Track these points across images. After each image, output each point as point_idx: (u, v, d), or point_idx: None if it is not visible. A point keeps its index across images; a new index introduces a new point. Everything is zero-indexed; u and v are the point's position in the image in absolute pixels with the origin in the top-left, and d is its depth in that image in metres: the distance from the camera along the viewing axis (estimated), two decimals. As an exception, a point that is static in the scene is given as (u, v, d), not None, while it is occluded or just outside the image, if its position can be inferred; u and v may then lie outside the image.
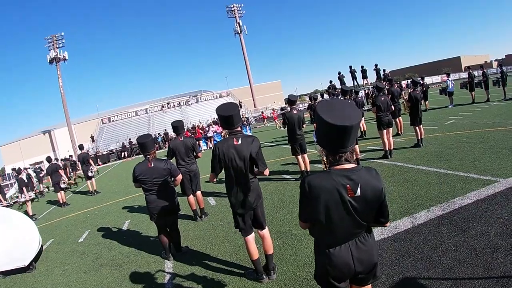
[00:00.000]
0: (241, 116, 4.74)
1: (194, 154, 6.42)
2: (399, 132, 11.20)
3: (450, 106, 16.61)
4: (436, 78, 54.08)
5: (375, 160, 8.32)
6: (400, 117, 11.05)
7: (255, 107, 51.03)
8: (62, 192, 11.35)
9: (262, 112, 42.65)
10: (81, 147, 12.74)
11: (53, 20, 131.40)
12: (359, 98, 14.13)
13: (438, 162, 6.95)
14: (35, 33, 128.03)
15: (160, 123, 46.76)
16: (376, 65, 23.45)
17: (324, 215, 1.79)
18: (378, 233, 4.16)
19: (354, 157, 1.91)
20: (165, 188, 4.56)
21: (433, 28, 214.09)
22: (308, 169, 7.58)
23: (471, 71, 17.65)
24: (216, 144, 3.59)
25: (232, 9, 51.63)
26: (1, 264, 5.47)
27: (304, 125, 7.55)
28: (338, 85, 22.30)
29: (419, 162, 7.27)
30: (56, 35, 45.06)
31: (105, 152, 34.30)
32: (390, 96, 9.96)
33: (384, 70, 23.36)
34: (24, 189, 11.01)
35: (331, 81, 22.11)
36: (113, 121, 52.88)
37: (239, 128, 3.56)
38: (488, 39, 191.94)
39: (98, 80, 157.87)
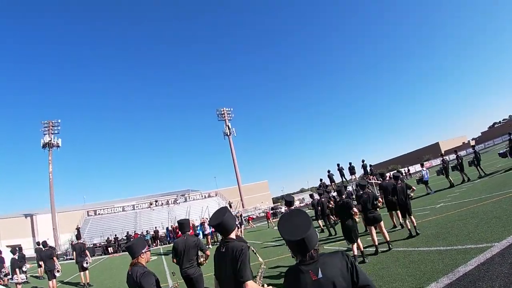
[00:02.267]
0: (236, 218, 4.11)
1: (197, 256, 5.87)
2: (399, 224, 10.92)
3: (431, 193, 17.58)
4: (418, 167, 56.92)
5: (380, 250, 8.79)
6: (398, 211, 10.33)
7: (243, 207, 51.43)
8: (54, 280, 11.02)
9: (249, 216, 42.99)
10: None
11: (51, 105, 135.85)
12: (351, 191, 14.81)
13: (437, 242, 7.55)
14: (32, 116, 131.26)
15: (147, 220, 46.59)
16: (363, 160, 25.13)
17: None
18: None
19: (318, 252, 2.15)
20: None
21: (410, 119, 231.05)
22: None
23: (444, 157, 19.51)
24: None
25: (222, 112, 56.53)
26: None
27: None
28: (328, 182, 23.62)
29: (419, 244, 7.83)
30: (53, 121, 47.04)
31: (90, 245, 33.10)
32: (382, 190, 10.65)
33: (370, 165, 24.97)
34: (17, 270, 10.69)
35: (321, 179, 23.28)
36: (98, 214, 52.67)
37: (232, 235, 3.32)
38: (463, 120, 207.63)
39: (87, 171, 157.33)
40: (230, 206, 49.74)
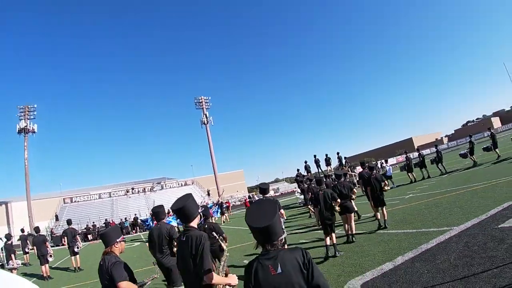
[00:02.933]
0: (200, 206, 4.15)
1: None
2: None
3: (394, 187, 18.91)
4: (392, 160, 58.85)
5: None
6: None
7: (219, 196, 52.32)
8: (47, 265, 11.39)
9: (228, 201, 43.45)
10: (37, 230, 12.56)
11: (27, 91, 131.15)
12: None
13: (404, 226, 8.60)
14: (7, 100, 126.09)
15: (124, 208, 46.46)
16: (338, 153, 26.28)
17: None
18: (369, 275, 5.47)
19: (281, 244, 2.24)
20: None
21: (386, 114, 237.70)
22: None
23: (407, 155, 21.19)
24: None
25: (200, 101, 55.94)
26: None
27: (282, 212, 6.71)
28: (304, 173, 24.69)
29: (389, 228, 8.80)
30: (29, 106, 45.43)
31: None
32: (362, 180, 11.14)
33: (345, 158, 26.22)
34: (12, 256, 10.99)
35: (298, 170, 24.29)
36: (75, 201, 52.40)
37: (193, 223, 3.28)
38: (438, 117, 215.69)
39: (63, 158, 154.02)
40: (208, 194, 50.67)
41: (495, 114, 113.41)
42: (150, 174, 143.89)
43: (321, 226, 8.05)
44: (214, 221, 20.10)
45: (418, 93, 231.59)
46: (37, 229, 12.21)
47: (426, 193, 13.29)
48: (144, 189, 57.01)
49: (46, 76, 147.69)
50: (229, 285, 3.03)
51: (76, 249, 12.41)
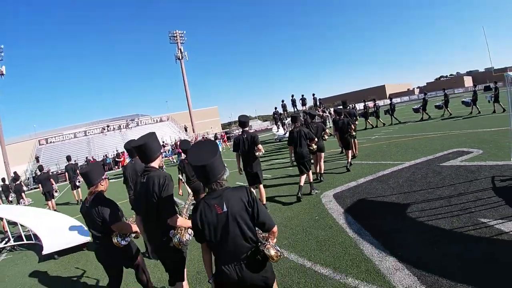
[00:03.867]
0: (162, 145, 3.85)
1: None
2: (355, 153, 11.20)
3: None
4: (360, 105, 61.05)
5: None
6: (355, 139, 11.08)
7: (193, 132, 53.26)
8: (53, 200, 12.53)
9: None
10: (40, 168, 13.28)
11: None
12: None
13: (367, 158, 10.62)
14: None
15: (100, 146, 46.80)
16: (313, 94, 27.87)
17: (209, 235, 2.22)
18: (339, 189, 7.35)
19: (223, 184, 2.32)
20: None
21: (360, 58, 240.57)
22: (264, 201, 6.90)
23: (366, 103, 23.43)
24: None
25: (175, 35, 54.29)
26: (64, 243, 6.95)
27: (259, 147, 6.56)
28: (281, 111, 26.47)
29: (355, 160, 10.68)
30: None
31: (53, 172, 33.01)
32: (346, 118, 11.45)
33: (319, 99, 27.96)
34: (23, 194, 12.12)
35: (275, 108, 26.03)
36: (50, 142, 52.01)
37: (154, 163, 3.15)
38: (413, 69, 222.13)
39: (34, 99, 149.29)
40: (186, 130, 51.33)
41: (468, 74, 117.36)
42: (123, 111, 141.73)
43: (295, 164, 7.71)
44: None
45: (396, 44, 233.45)
46: (40, 167, 13.08)
47: (388, 136, 15.45)
48: (120, 126, 56.76)
49: (11, 14, 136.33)
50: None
51: (77, 183, 13.72)
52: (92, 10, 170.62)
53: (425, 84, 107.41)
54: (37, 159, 42.49)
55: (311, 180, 7.66)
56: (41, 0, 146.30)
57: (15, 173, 16.26)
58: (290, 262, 4.42)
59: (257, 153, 6.49)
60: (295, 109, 28.92)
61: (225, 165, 2.37)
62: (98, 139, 51.05)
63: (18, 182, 13.08)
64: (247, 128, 6.80)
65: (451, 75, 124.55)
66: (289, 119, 22.57)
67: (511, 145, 7.21)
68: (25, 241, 8.12)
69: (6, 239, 8.69)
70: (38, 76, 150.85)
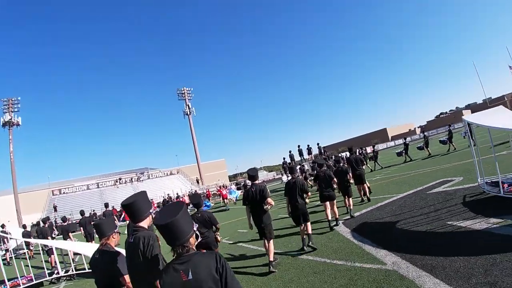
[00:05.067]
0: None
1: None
2: (367, 197, 11.61)
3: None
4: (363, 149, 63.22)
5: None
6: (365, 184, 11.72)
7: (202, 184, 54.93)
8: (93, 241, 13.49)
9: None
10: (82, 212, 15.01)
11: (9, 83, 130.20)
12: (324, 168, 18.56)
13: (371, 195, 12.50)
14: None
15: (112, 198, 48.10)
16: (318, 143, 30.30)
17: None
18: (345, 217, 9.29)
19: (191, 248, 2.25)
20: None
21: (362, 105, 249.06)
22: (271, 259, 6.47)
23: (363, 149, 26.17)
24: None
25: (183, 92, 57.99)
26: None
27: (268, 201, 6.49)
28: (289, 161, 28.67)
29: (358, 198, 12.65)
30: (12, 99, 45.82)
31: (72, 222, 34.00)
32: (350, 165, 11.58)
33: (323, 147, 30.35)
34: (70, 234, 13.34)
35: (284, 158, 28.26)
36: (63, 193, 53.80)
37: (143, 223, 3.12)
38: (412, 108, 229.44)
39: (49, 150, 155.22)
40: (198, 182, 53.34)
41: (467, 107, 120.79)
42: (132, 165, 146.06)
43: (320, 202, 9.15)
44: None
45: (394, 86, 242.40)
46: (82, 212, 14.85)
47: (388, 176, 17.47)
48: (131, 179, 59.33)
49: (28, 68, 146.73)
50: None
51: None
52: (105, 68, 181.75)
53: (426, 123, 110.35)
54: (55, 208, 44.16)
55: (310, 232, 7.32)
56: (55, 57, 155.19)
57: (64, 217, 18.05)
58: (317, 262, 6.28)
59: (265, 207, 6.46)
60: (302, 158, 31.06)
61: (195, 228, 2.33)
62: (110, 192, 52.84)
63: (65, 223, 14.71)
64: (256, 181, 6.83)
65: (450, 110, 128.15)
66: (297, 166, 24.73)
67: (476, 172, 9.02)
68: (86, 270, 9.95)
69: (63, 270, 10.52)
70: (52, 129, 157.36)
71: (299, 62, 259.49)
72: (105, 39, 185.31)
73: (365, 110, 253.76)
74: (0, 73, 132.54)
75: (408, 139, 26.44)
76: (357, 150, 24.03)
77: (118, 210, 33.84)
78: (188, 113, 58.05)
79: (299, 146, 30.12)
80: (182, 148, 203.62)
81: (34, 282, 9.84)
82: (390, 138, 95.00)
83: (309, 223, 7.31)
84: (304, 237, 7.38)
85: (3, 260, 12.74)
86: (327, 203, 8.84)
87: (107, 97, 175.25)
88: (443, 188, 10.08)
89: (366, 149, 30.72)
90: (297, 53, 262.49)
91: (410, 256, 5.33)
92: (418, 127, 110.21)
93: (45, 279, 10.17)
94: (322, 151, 30.64)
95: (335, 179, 9.01)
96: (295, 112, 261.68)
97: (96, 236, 12.18)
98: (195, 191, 40.79)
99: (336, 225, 8.76)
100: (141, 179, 59.76)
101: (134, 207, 3.07)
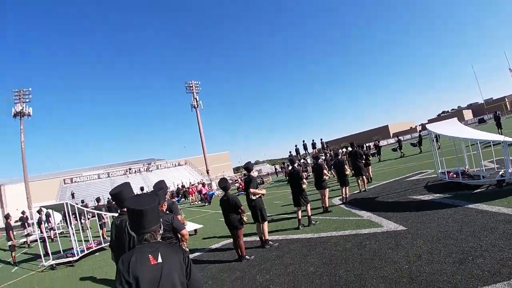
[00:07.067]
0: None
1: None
2: (365, 189, 13.42)
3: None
4: (368, 145, 66.27)
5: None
6: (363, 176, 13.52)
7: (208, 175, 57.43)
8: (104, 229, 14.51)
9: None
10: (98, 199, 17.22)
11: (19, 74, 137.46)
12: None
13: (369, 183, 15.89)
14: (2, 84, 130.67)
15: None
16: (321, 139, 33.74)
17: (138, 285, 2.08)
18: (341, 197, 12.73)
19: (158, 238, 2.35)
20: None
21: (362, 101, 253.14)
22: (266, 237, 7.95)
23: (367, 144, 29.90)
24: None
25: (191, 85, 59.92)
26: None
27: (251, 190, 7.73)
28: (294, 154, 32.09)
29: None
30: (24, 90, 47.48)
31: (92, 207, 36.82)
32: (350, 156, 14.35)
33: (326, 143, 33.78)
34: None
35: (290, 152, 31.68)
36: (74, 182, 57.11)
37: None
38: (414, 106, 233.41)
39: (59, 139, 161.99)
40: (208, 173, 56.63)
41: (469, 107, 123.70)
42: (137, 156, 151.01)
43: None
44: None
45: (398, 83, 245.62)
46: (98, 199, 17.01)
47: (381, 168, 20.92)
48: (140, 169, 62.68)
49: (39, 58, 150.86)
50: None
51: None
52: (111, 69, 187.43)
53: (427, 121, 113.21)
54: (72, 195, 47.18)
55: (309, 214, 9.31)
56: (65, 47, 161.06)
57: (82, 201, 20.71)
58: (318, 218, 9.58)
59: (251, 196, 7.74)
60: (306, 152, 34.45)
61: (161, 224, 2.43)
62: (120, 181, 54.35)
63: (99, 203, 17.24)
64: (251, 173, 8.17)
65: (452, 109, 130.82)
66: (302, 160, 28.18)
67: (436, 166, 11.71)
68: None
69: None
70: (63, 119, 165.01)
71: (309, 56, 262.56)
72: (112, 32, 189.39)
73: (368, 107, 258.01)
74: (12, 64, 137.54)
75: (401, 137, 30.19)
76: (364, 146, 26.94)
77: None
78: (196, 106, 59.72)
79: (303, 141, 33.51)
80: (186, 140, 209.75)
81: (103, 245, 12.36)
82: (391, 135, 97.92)
83: (308, 205, 9.31)
84: (300, 218, 9.27)
85: (47, 237, 14.85)
86: (321, 190, 10.77)
87: (115, 90, 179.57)
88: (416, 177, 13.55)
89: (370, 145, 34.30)
90: (302, 50, 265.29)
91: (378, 212, 8.79)
92: (419, 125, 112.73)
93: (105, 245, 12.30)
94: (325, 145, 34.04)
95: (324, 171, 10.74)
96: (299, 108, 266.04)
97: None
98: (223, 176, 43.93)
99: (328, 211, 10.52)
100: (150, 169, 62.78)
101: (120, 195, 3.86)
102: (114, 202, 4.41)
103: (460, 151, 11.56)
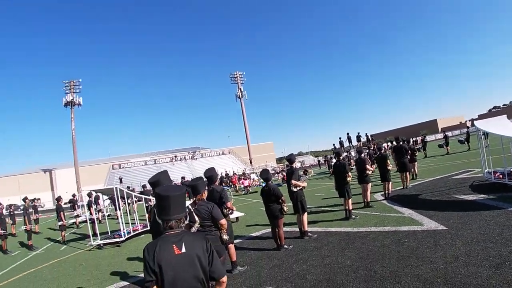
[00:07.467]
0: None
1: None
2: (407, 185, 13.15)
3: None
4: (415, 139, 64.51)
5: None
6: (407, 172, 13.38)
7: (251, 165, 58.63)
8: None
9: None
10: (144, 186, 18.60)
11: (70, 64, 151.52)
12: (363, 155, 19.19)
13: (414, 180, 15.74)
14: (52, 75, 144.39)
15: (170, 173, 54.36)
16: (366, 133, 33.26)
17: (161, 275, 2.19)
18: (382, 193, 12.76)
19: (183, 225, 2.47)
20: None
21: (412, 95, 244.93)
22: (305, 228, 8.15)
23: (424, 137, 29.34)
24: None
25: (235, 76, 60.76)
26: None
27: (293, 182, 7.96)
28: (338, 146, 32.00)
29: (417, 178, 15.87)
30: (74, 81, 50.34)
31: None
32: (395, 153, 13.90)
33: (371, 135, 33.31)
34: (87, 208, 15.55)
35: (334, 144, 31.65)
36: (122, 168, 60.39)
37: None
38: (465, 101, 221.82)
39: (108, 128, 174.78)
40: (251, 162, 57.58)
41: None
42: (182, 144, 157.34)
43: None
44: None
45: (449, 76, 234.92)
46: (144, 186, 18.31)
47: (427, 164, 20.51)
48: (185, 157, 64.71)
49: (90, 49, 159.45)
50: None
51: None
52: (163, 45, 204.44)
53: (477, 117, 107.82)
54: (120, 180, 49.76)
55: (350, 208, 9.42)
56: (114, 39, 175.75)
57: (128, 187, 21.57)
58: (359, 213, 9.72)
59: (292, 188, 8.00)
60: (350, 145, 34.16)
61: (187, 214, 2.57)
62: (167, 168, 56.50)
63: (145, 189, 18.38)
64: (293, 165, 8.48)
65: (504, 105, 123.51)
66: (345, 153, 28.05)
67: (482, 165, 11.53)
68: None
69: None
70: (113, 108, 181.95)
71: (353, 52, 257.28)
72: (159, 26, 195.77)
73: (416, 99, 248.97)
74: (64, 55, 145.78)
75: (449, 133, 29.49)
76: (410, 140, 26.38)
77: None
78: (240, 96, 60.81)
79: (348, 134, 33.24)
80: (230, 130, 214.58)
81: (148, 228, 12.61)
82: (440, 129, 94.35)
83: (350, 199, 9.37)
84: (350, 209, 9.40)
85: (96, 219, 15.32)
86: (363, 185, 10.73)
87: (154, 84, 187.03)
88: (462, 175, 13.27)
89: (417, 139, 33.50)
90: (355, 42, 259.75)
91: (420, 210, 8.81)
92: (469, 120, 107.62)
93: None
94: (370, 139, 33.57)
95: (367, 165, 10.61)
96: (346, 99, 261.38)
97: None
98: (265, 166, 44.51)
99: (369, 206, 10.52)
100: (195, 157, 64.59)
101: (158, 184, 4.24)
102: (152, 190, 4.87)
103: (508, 151, 11.09)
